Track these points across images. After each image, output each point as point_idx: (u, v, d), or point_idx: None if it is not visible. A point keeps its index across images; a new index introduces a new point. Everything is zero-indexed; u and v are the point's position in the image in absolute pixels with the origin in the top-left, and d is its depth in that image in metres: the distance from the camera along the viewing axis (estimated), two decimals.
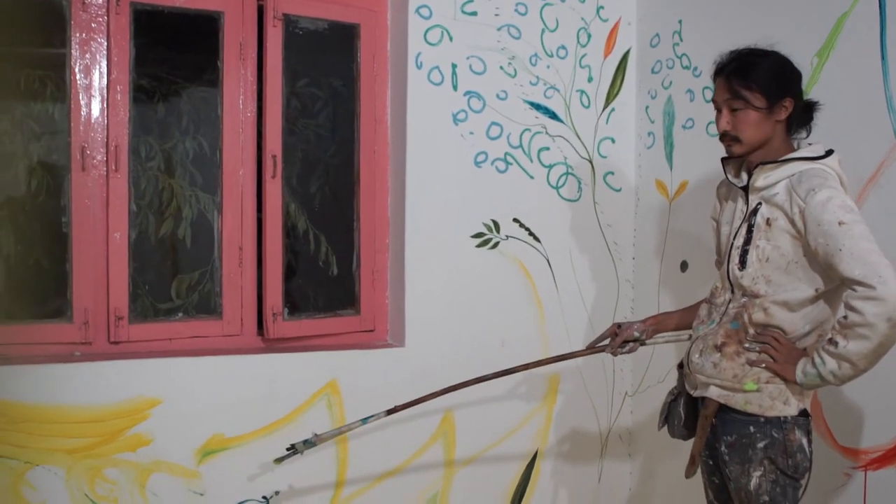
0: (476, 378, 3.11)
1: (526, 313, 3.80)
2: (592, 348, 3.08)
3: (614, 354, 2.99)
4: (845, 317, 2.28)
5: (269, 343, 3.50)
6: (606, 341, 3.02)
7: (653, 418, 2.94)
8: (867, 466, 2.93)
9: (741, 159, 2.64)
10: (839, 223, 2.30)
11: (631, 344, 2.95)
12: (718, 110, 2.53)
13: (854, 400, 2.93)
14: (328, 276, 3.64)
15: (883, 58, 2.94)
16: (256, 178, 3.46)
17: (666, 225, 3.85)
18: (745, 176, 2.61)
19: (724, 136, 2.52)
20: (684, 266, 3.76)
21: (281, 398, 3.34)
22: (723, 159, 2.69)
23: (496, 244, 3.73)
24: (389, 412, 3.07)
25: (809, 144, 2.56)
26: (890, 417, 2.88)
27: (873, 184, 2.93)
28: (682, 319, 2.94)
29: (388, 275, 3.70)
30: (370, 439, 3.48)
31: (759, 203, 2.50)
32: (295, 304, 3.55)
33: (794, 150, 2.53)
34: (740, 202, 2.60)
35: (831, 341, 2.31)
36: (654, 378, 3.87)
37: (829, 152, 2.50)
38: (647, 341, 2.95)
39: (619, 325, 2.98)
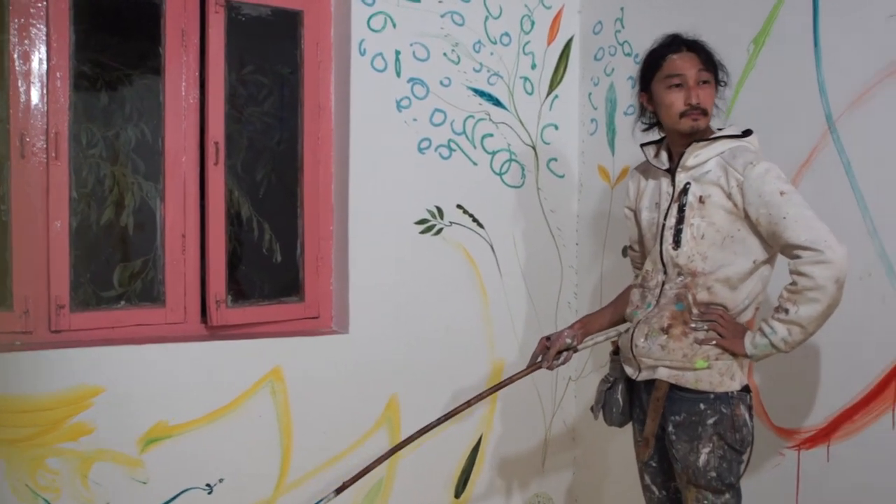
0: (422, 428, 2.98)
1: (470, 299, 3.83)
2: (530, 367, 2.93)
3: (550, 369, 2.89)
4: (794, 283, 2.36)
5: (212, 330, 3.49)
6: (539, 358, 2.92)
7: None
8: (801, 446, 3.00)
9: (659, 143, 2.70)
10: (780, 193, 2.38)
11: (565, 353, 2.88)
12: (679, 85, 2.54)
13: (788, 382, 3.00)
14: (272, 263, 3.64)
15: (816, 44, 2.99)
16: (199, 166, 3.45)
17: (608, 210, 3.90)
18: (664, 156, 2.66)
19: (692, 110, 2.52)
20: (626, 251, 3.80)
21: (224, 385, 3.34)
22: (643, 144, 2.75)
23: (440, 230, 3.75)
24: (338, 491, 2.96)
25: (719, 129, 2.63)
26: (822, 399, 2.95)
27: (807, 167, 2.99)
28: (605, 317, 2.94)
29: (332, 262, 3.70)
30: (315, 426, 3.50)
31: (689, 182, 2.55)
32: (239, 292, 3.54)
33: (713, 131, 2.60)
34: (664, 184, 2.65)
35: (780, 309, 2.39)
36: (598, 362, 3.92)
37: (748, 132, 2.58)
38: (580, 347, 2.90)
39: (547, 338, 2.92)
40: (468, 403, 2.97)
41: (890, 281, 2.78)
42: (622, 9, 3.80)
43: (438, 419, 2.98)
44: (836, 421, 2.92)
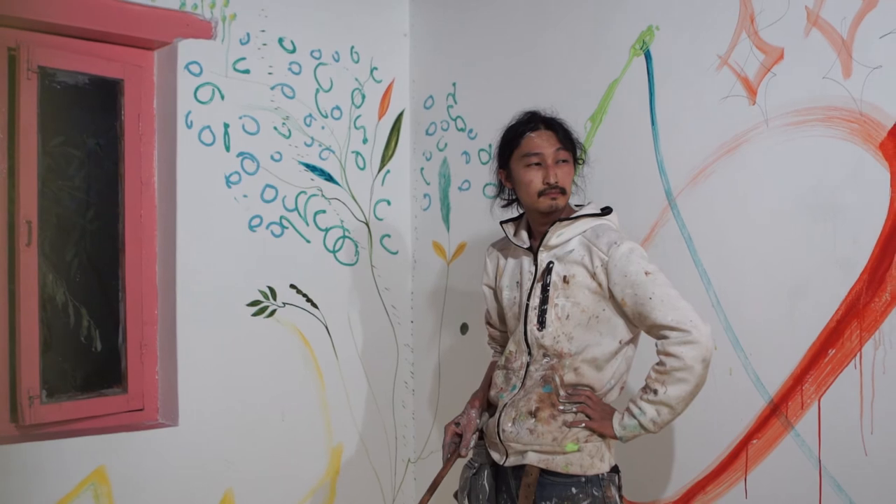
0: None
1: (306, 383, 3.65)
2: (452, 458, 2.74)
3: (466, 455, 2.71)
4: (661, 363, 2.34)
5: (24, 430, 3.12)
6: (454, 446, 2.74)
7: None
8: None
9: (518, 221, 2.66)
10: (645, 273, 2.37)
11: (475, 435, 2.72)
12: (537, 163, 2.50)
13: (641, 456, 3.00)
14: (91, 352, 3.31)
15: (653, 123, 3.08)
16: (7, 247, 3.12)
17: (444, 287, 3.84)
18: (524, 234, 2.62)
19: (551, 189, 2.48)
20: (464, 328, 3.75)
21: (40, 491, 2.99)
22: (502, 222, 2.70)
23: (273, 312, 3.56)
24: None
25: (577, 206, 2.61)
26: (675, 471, 2.99)
27: (648, 243, 3.05)
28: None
29: (157, 348, 3.43)
30: None
31: (552, 261, 2.51)
32: (54, 386, 3.19)
33: (573, 209, 2.58)
34: (526, 262, 2.60)
35: (648, 389, 2.36)
36: (438, 443, 3.81)
37: (608, 210, 2.58)
38: (480, 423, 2.76)
39: (456, 424, 2.75)
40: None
41: (736, 353, 2.85)
42: (454, 84, 3.79)
43: None
44: (690, 493, 2.95)
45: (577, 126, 3.17)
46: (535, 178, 2.50)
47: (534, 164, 2.51)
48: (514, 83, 3.52)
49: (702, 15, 2.94)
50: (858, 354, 2.58)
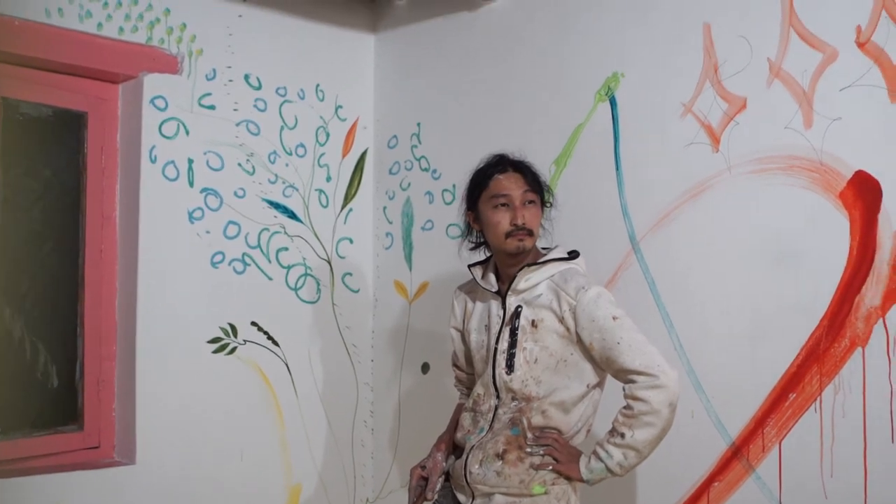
0: None
1: (265, 421, 3.61)
2: (417, 501, 2.73)
3: (431, 499, 2.70)
4: (629, 407, 2.35)
5: None
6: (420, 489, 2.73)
7: None
8: None
9: (486, 264, 2.68)
10: (613, 318, 2.40)
11: (441, 478, 2.72)
12: (505, 205, 2.52)
13: (606, 499, 3.01)
14: (47, 388, 3.25)
15: (617, 167, 3.13)
16: None
17: (406, 326, 3.83)
18: (492, 278, 2.63)
19: (518, 230, 2.49)
20: (426, 368, 3.74)
21: None
22: (470, 265, 2.71)
23: (234, 349, 3.53)
24: None
25: (544, 249, 2.64)
26: None
27: (612, 286, 3.08)
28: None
29: (115, 385, 3.37)
30: None
31: (520, 305, 2.53)
32: (8, 423, 3.12)
33: (540, 253, 2.60)
34: (494, 306, 2.61)
35: (616, 433, 2.37)
36: (397, 482, 3.79)
37: (576, 254, 2.61)
38: (447, 465, 2.75)
39: (422, 467, 2.75)
40: None
41: (698, 396, 2.89)
42: (419, 124, 3.81)
43: None
44: None
45: (542, 169, 3.21)
46: (502, 220, 2.52)
47: (501, 205, 2.53)
48: (479, 125, 3.55)
49: (667, 63, 3.01)
50: (818, 399, 2.64)
